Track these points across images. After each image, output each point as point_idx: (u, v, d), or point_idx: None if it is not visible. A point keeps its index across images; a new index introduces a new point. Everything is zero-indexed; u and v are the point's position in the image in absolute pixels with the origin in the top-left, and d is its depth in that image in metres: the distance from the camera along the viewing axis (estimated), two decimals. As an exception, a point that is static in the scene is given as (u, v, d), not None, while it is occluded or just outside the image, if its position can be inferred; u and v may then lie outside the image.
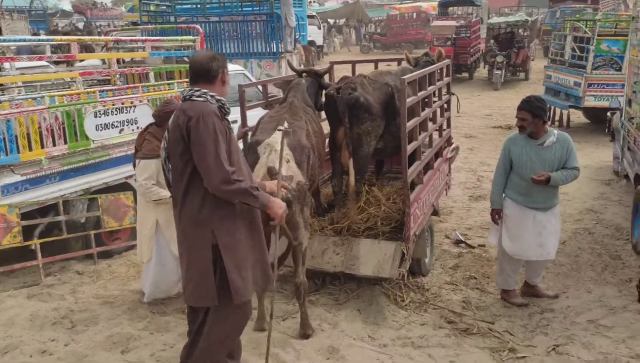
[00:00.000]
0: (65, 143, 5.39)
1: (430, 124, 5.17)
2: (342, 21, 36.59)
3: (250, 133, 4.80)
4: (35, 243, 5.10)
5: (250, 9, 13.08)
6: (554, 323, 3.99)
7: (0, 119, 4.80)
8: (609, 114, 9.38)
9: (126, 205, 5.90)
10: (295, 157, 3.84)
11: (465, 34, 19.38)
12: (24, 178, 5.02)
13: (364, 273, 4.26)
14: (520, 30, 19.08)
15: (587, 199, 7.13)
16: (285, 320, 4.13)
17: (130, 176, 6.06)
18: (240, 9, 12.88)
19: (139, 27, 11.65)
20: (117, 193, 5.86)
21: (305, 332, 3.89)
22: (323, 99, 4.98)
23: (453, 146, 6.20)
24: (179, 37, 7.02)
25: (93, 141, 5.62)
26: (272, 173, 3.69)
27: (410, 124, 4.33)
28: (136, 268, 5.36)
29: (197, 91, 2.79)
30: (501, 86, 17.36)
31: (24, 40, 7.48)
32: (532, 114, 3.97)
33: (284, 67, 13.19)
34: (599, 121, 11.69)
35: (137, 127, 6.08)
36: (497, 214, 4.26)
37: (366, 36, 33.79)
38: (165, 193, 4.17)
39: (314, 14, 26.95)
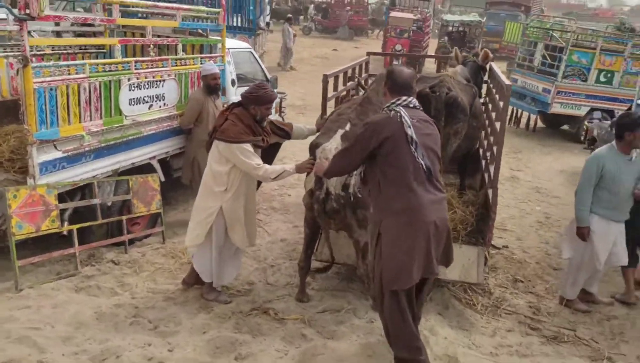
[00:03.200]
0: (101, 117, 4.83)
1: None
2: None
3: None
4: (74, 228, 4.55)
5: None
6: (627, 330, 4.27)
7: (44, 87, 4.18)
8: (586, 123, 10.12)
9: (153, 188, 5.45)
10: None
11: (419, 28, 19.84)
12: (64, 155, 4.44)
13: (451, 278, 4.29)
14: (471, 30, 19.86)
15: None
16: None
17: (154, 157, 5.59)
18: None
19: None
20: (145, 175, 5.39)
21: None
22: None
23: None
24: (204, 8, 6.49)
25: (126, 116, 5.09)
26: (319, 181, 3.76)
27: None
28: (175, 259, 4.99)
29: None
30: (454, 83, 17.98)
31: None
32: None
33: (259, 45, 12.75)
34: (553, 126, 12.58)
35: (164, 104, 5.61)
36: (587, 232, 4.38)
37: (308, 18, 33.41)
38: (279, 168, 3.93)
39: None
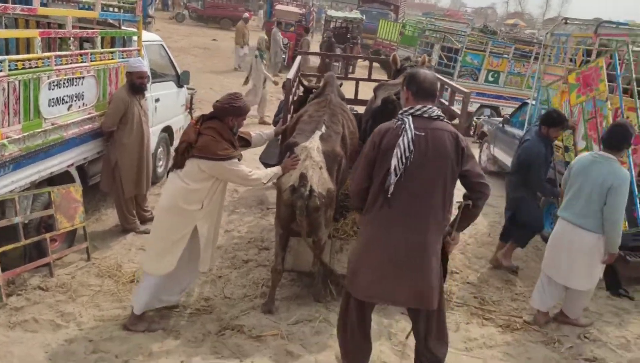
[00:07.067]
0: (20, 122, 4.16)
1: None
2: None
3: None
4: (-4, 253, 3.88)
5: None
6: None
7: (-41, 89, 3.48)
8: (475, 118, 11.01)
9: (76, 200, 4.87)
10: (328, 164, 3.97)
11: (304, 21, 19.98)
12: (-17, 168, 3.76)
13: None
14: (353, 27, 20.51)
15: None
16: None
17: (72, 164, 4.98)
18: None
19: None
20: (67, 185, 4.78)
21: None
22: None
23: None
24: (120, -3, 5.86)
25: (45, 119, 4.45)
26: (303, 179, 3.77)
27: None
28: (114, 279, 4.50)
29: (438, 110, 2.97)
30: (339, 78, 18.47)
31: None
32: None
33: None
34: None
35: (84, 104, 5.01)
36: None
37: (181, 5, 31.95)
38: (269, 171, 3.87)
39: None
